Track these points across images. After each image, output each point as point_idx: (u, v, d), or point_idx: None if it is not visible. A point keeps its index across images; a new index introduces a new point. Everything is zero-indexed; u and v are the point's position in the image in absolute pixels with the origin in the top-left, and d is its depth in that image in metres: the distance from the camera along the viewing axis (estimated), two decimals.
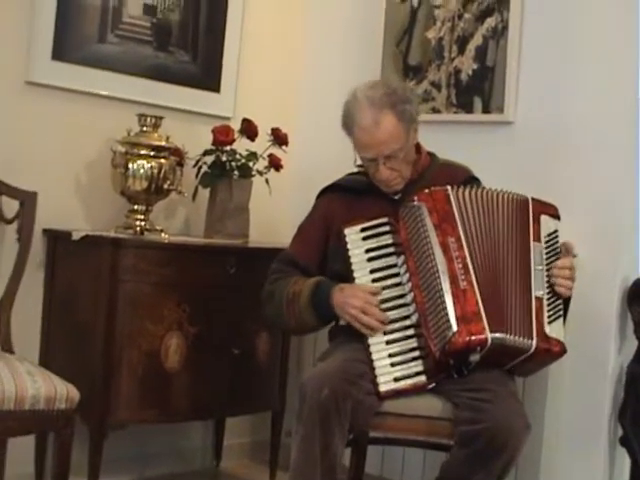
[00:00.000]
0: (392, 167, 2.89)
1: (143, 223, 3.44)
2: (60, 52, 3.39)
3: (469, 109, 3.62)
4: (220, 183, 3.63)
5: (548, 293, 2.79)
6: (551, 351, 2.76)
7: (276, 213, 3.86)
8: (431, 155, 3.11)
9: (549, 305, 2.79)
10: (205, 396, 3.42)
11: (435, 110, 3.70)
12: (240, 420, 3.94)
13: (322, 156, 3.89)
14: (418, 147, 3.04)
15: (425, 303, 2.74)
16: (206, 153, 3.64)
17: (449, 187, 2.86)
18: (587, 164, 3.34)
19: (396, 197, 2.97)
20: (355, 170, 3.08)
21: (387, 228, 2.88)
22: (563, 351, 2.77)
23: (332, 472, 2.67)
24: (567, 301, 2.87)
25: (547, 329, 2.75)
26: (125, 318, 3.21)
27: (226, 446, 3.96)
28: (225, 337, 3.46)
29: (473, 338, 2.64)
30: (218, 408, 3.54)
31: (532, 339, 2.71)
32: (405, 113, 2.86)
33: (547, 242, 2.85)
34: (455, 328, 2.64)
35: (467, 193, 2.85)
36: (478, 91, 3.60)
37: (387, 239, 2.88)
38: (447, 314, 2.66)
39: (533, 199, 2.87)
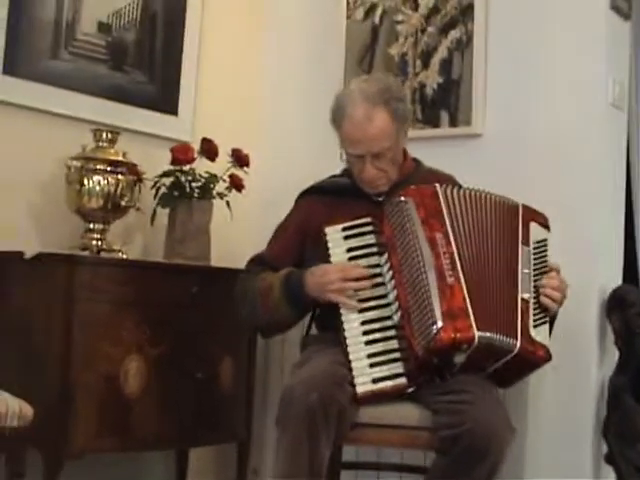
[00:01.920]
0: (379, 167, 2.80)
1: (100, 243, 3.27)
2: (11, 67, 3.24)
3: (436, 123, 3.54)
4: (180, 204, 3.48)
5: (534, 298, 2.69)
6: (535, 354, 2.64)
7: (238, 236, 3.71)
8: (416, 161, 3.03)
9: (535, 310, 2.68)
10: (168, 424, 3.21)
11: None
12: (204, 452, 3.73)
13: (284, 177, 3.77)
14: (404, 152, 2.96)
15: (409, 300, 2.61)
16: (165, 174, 3.50)
17: (437, 185, 2.77)
18: (558, 174, 3.27)
19: (379, 199, 2.86)
20: (337, 172, 3.01)
21: (370, 228, 2.77)
22: (548, 356, 2.66)
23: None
24: (552, 320, 2.77)
25: (532, 332, 2.65)
26: (81, 340, 3.00)
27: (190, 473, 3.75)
28: (188, 361, 3.27)
29: (459, 335, 2.51)
30: (181, 437, 3.32)
31: (516, 339, 2.59)
32: (398, 112, 2.79)
33: (535, 249, 2.76)
34: (440, 324, 2.51)
35: (455, 191, 2.76)
36: (444, 105, 3.52)
37: (369, 239, 2.76)
38: (432, 309, 2.53)
39: (524, 205, 2.80)
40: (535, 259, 2.74)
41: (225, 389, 3.42)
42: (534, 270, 2.72)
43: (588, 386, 3.18)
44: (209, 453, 3.83)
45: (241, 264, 3.03)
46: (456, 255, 2.63)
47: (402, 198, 2.72)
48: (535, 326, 2.66)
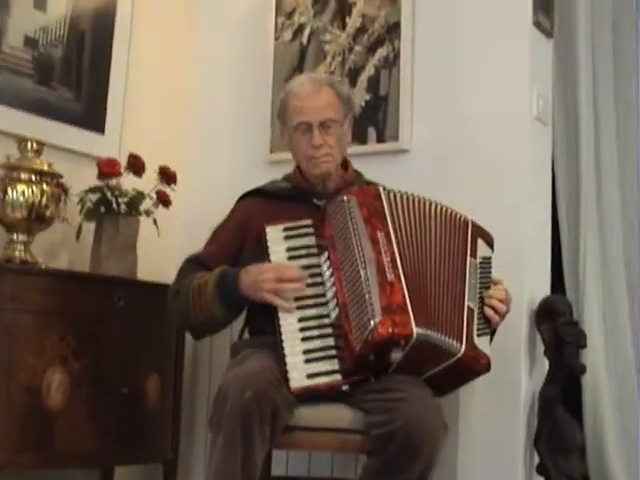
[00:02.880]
0: (326, 140, 2.85)
1: (23, 254, 3.18)
2: None
3: (363, 140, 3.55)
4: (106, 220, 3.42)
5: (479, 309, 2.71)
6: (478, 362, 2.65)
7: (164, 253, 3.65)
8: (357, 172, 3.06)
9: (479, 320, 2.70)
10: (91, 440, 3.12)
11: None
12: (129, 471, 3.62)
13: (212, 195, 3.74)
14: (346, 161, 3.02)
15: (347, 297, 2.59)
16: (91, 190, 3.44)
17: (380, 186, 2.79)
18: (485, 188, 3.29)
19: (320, 203, 2.85)
20: (278, 178, 3.05)
21: (311, 230, 2.76)
22: (488, 365, 2.68)
23: None
24: (492, 332, 2.79)
25: (476, 340, 2.65)
26: (3, 350, 2.90)
27: None
28: (113, 375, 3.19)
29: (397, 330, 2.48)
30: (106, 455, 3.21)
31: (461, 344, 2.59)
32: (344, 94, 2.95)
33: (481, 264, 2.79)
34: (379, 318, 2.49)
35: (399, 195, 2.77)
36: (372, 122, 3.54)
37: (310, 240, 2.75)
38: (372, 304, 2.52)
39: (473, 221, 2.83)
40: (481, 274, 2.77)
41: (151, 406, 3.34)
42: (479, 283, 2.75)
43: (518, 397, 3.16)
44: (134, 472, 3.71)
45: (168, 280, 2.97)
46: (397, 254, 2.62)
47: (345, 197, 2.73)
48: (478, 335, 2.67)
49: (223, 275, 2.73)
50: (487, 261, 2.82)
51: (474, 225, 2.82)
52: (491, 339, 2.79)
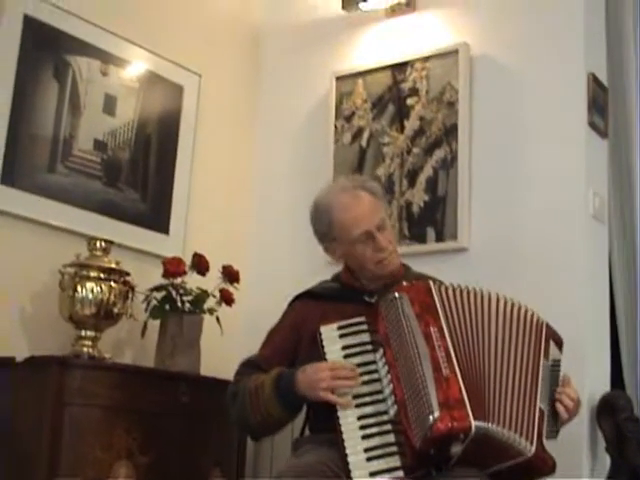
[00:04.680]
0: (388, 238, 2.91)
1: (91, 350, 3.26)
2: (10, 178, 3.32)
3: (422, 240, 3.63)
4: (170, 318, 3.51)
5: (548, 411, 2.70)
6: (546, 462, 2.63)
7: (227, 350, 3.70)
8: (405, 266, 3.09)
9: (548, 421, 2.69)
10: None
11: None
12: None
13: (273, 294, 3.80)
14: None
15: (405, 393, 2.60)
16: (156, 289, 3.54)
17: (430, 281, 2.82)
18: (543, 286, 3.34)
19: (372, 300, 2.90)
20: (328, 277, 3.09)
21: (364, 327, 2.78)
22: (554, 467, 2.65)
23: None
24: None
25: (544, 441, 2.64)
26: (71, 443, 2.97)
27: None
28: (177, 470, 3.23)
29: (456, 424, 2.48)
30: None
31: (532, 444, 2.57)
32: (375, 189, 2.98)
33: (552, 366, 2.79)
34: (437, 413, 2.49)
35: (451, 289, 2.79)
36: (430, 221, 3.62)
37: (364, 337, 2.77)
38: (429, 400, 2.52)
39: (547, 323, 2.82)
40: (551, 376, 2.76)
41: None
42: (550, 385, 2.75)
43: None
44: None
45: (230, 377, 3.02)
46: (451, 348, 2.63)
47: (396, 294, 2.76)
48: (547, 437, 2.66)
49: (280, 375, 2.77)
50: (557, 363, 2.82)
51: (548, 326, 2.82)
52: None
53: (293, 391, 2.72)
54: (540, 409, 2.66)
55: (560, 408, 2.73)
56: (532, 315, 2.81)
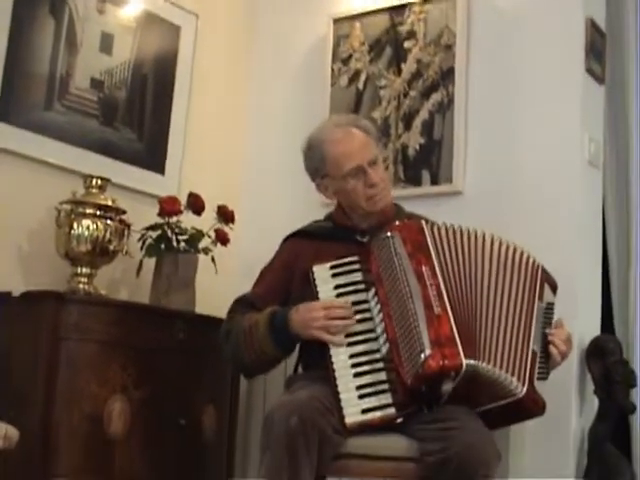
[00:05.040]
0: (379, 175, 2.91)
1: (87, 287, 3.29)
2: (6, 115, 3.31)
3: (417, 183, 3.65)
4: (166, 256, 3.53)
5: (541, 353, 2.73)
6: (537, 404, 2.67)
7: (222, 290, 3.72)
8: (397, 206, 3.10)
9: (539, 364, 2.72)
10: (149, 468, 3.20)
11: None
12: None
13: (268, 234, 3.81)
14: None
15: (397, 331, 2.63)
16: (151, 227, 3.56)
17: (423, 221, 2.85)
18: (537, 229, 3.35)
19: (364, 239, 2.93)
20: (321, 217, 3.11)
21: (357, 266, 2.81)
22: (544, 409, 2.70)
23: None
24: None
25: (536, 383, 2.68)
26: (67, 378, 3.00)
27: None
28: (171, 406, 3.28)
29: (447, 362, 2.52)
30: None
31: (524, 385, 2.61)
32: (368, 128, 2.98)
33: (546, 309, 2.82)
34: (429, 351, 2.52)
35: (443, 228, 2.81)
36: (426, 164, 3.64)
37: (357, 276, 2.80)
38: (420, 338, 2.55)
39: (542, 266, 2.84)
40: (544, 319, 2.79)
41: (207, 437, 3.42)
42: (542, 328, 2.77)
43: (568, 434, 3.21)
44: None
45: (225, 315, 3.05)
46: (443, 287, 2.66)
47: (389, 233, 2.78)
48: (538, 379, 2.69)
49: (274, 314, 2.80)
50: (551, 307, 2.85)
51: (543, 270, 2.85)
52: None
53: (287, 330, 2.76)
54: (533, 350, 2.69)
55: (553, 350, 2.76)
56: (528, 257, 2.83)
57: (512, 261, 2.80)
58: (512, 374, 2.60)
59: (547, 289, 2.85)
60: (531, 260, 2.83)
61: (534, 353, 2.69)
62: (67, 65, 3.52)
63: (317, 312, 2.72)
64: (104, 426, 3.08)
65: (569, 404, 3.22)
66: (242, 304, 2.97)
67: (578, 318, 3.25)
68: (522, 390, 2.61)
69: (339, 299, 2.77)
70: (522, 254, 2.83)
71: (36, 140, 3.40)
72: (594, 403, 3.26)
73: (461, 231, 2.82)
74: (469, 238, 2.81)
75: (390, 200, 2.99)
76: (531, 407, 2.67)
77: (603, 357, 3.22)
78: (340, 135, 2.92)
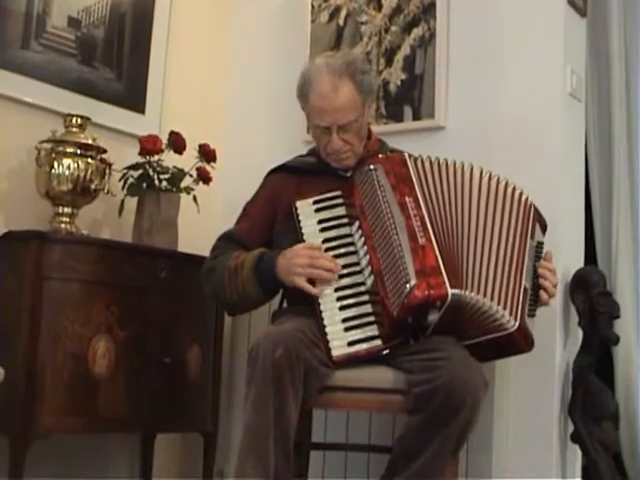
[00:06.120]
0: (345, 138, 2.87)
1: (68, 227, 3.26)
2: None
3: (399, 118, 3.62)
4: (148, 196, 3.50)
5: (531, 290, 2.74)
6: (527, 340, 2.69)
7: (205, 229, 3.71)
8: (381, 141, 3.10)
9: (530, 300, 2.73)
10: (134, 407, 3.20)
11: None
12: (170, 440, 3.71)
13: (250, 172, 3.78)
14: (369, 131, 3.03)
15: (381, 263, 2.64)
16: (133, 167, 3.52)
17: (405, 153, 2.84)
18: (520, 163, 3.32)
19: (347, 174, 2.91)
20: (304, 153, 3.09)
21: (340, 200, 2.83)
22: (532, 345, 2.72)
23: (286, 440, 2.50)
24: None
25: (526, 319, 2.69)
26: (51, 317, 2.99)
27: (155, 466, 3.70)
28: (155, 344, 3.28)
29: (432, 292, 2.53)
30: (148, 421, 3.29)
31: (516, 320, 2.62)
32: (364, 83, 2.87)
33: (536, 247, 2.82)
34: (414, 281, 2.53)
35: (427, 162, 2.81)
36: (408, 100, 3.61)
37: (340, 211, 2.81)
38: (405, 268, 2.56)
39: (534, 205, 2.85)
40: (535, 257, 2.80)
41: (192, 375, 3.43)
42: (533, 265, 2.78)
43: (553, 366, 3.22)
44: (175, 440, 3.80)
45: (208, 254, 3.04)
46: (427, 218, 2.66)
47: (372, 166, 2.79)
48: (528, 315, 2.71)
49: (261, 257, 2.79)
50: (540, 246, 2.86)
51: (536, 209, 2.86)
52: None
53: (272, 274, 2.75)
54: (524, 287, 2.70)
55: (545, 283, 2.77)
56: (521, 194, 2.84)
57: (504, 195, 2.81)
58: (504, 307, 2.61)
59: (538, 228, 2.86)
60: (524, 197, 2.83)
61: (525, 289, 2.70)
62: (44, 3, 3.45)
63: (301, 259, 2.70)
64: (88, 365, 3.07)
65: (553, 337, 3.23)
66: (226, 240, 2.97)
67: (562, 251, 3.24)
68: (514, 324, 2.62)
69: (323, 234, 2.77)
70: (514, 189, 2.83)
71: (13, 79, 3.34)
72: (578, 336, 3.28)
73: (447, 164, 2.82)
74: (455, 170, 2.81)
75: (353, 162, 2.93)
76: (521, 342, 2.68)
77: (587, 289, 3.22)
78: (326, 88, 2.83)
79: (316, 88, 2.85)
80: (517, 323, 2.61)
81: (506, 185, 2.82)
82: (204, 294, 2.96)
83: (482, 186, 2.80)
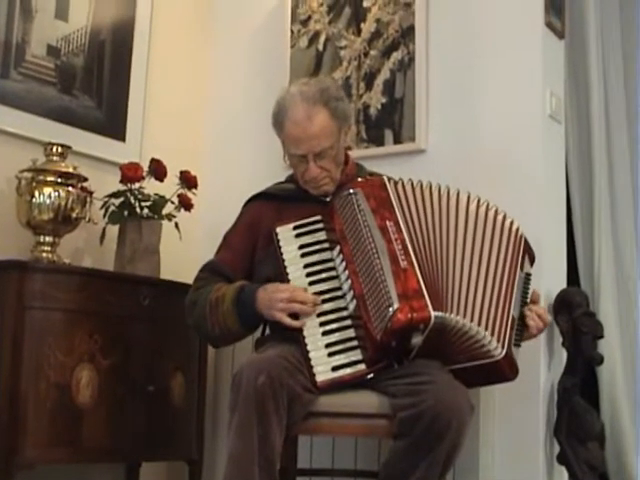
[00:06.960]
0: (322, 166, 2.86)
1: (50, 256, 3.25)
2: None
3: (380, 142, 3.63)
4: (129, 223, 3.49)
5: (518, 320, 2.74)
6: (512, 369, 2.68)
7: (187, 256, 3.72)
8: (358, 165, 3.10)
9: (517, 330, 2.73)
10: (118, 436, 3.18)
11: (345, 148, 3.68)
12: (155, 468, 3.68)
13: (232, 199, 3.78)
14: (346, 156, 3.03)
15: (363, 287, 2.63)
16: (114, 195, 3.52)
17: (384, 177, 2.84)
18: (500, 186, 3.32)
19: (327, 199, 2.91)
20: (282, 180, 3.08)
21: (320, 225, 2.83)
22: (517, 374, 2.71)
23: (271, 467, 2.49)
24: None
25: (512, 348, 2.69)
26: (33, 347, 2.97)
27: None
28: (139, 372, 3.26)
29: (415, 315, 2.52)
30: (132, 451, 3.27)
31: (503, 348, 2.61)
32: (338, 110, 2.86)
33: (525, 279, 2.83)
34: (397, 305, 2.52)
35: (409, 185, 2.82)
36: (388, 124, 3.62)
37: (321, 235, 2.81)
38: (388, 292, 2.55)
39: (524, 236, 2.85)
40: (523, 289, 2.81)
41: (176, 404, 3.41)
42: (521, 296, 2.79)
43: (538, 387, 3.22)
44: (160, 469, 3.78)
45: (190, 281, 3.03)
46: (408, 241, 2.66)
47: (351, 190, 2.79)
48: (514, 345, 2.71)
49: (242, 289, 2.78)
50: (529, 277, 2.86)
51: (526, 240, 2.86)
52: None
53: (252, 307, 2.74)
54: (513, 317, 2.69)
55: (531, 322, 2.77)
56: (512, 223, 2.84)
57: (493, 222, 2.81)
58: (492, 334, 2.60)
59: (527, 260, 2.86)
60: (514, 227, 2.83)
61: (513, 319, 2.69)
62: (23, 32, 3.46)
63: (282, 294, 2.69)
64: (72, 395, 3.05)
65: (538, 358, 3.23)
66: (209, 271, 2.95)
67: (544, 272, 3.25)
68: (501, 352, 2.61)
69: (304, 259, 2.77)
70: (505, 217, 2.83)
71: None
72: (562, 357, 3.28)
73: (430, 187, 2.83)
74: (440, 195, 2.82)
75: (332, 188, 2.92)
76: (506, 371, 2.67)
77: (570, 310, 3.23)
78: (300, 116, 2.81)
79: (291, 117, 2.84)
80: (504, 351, 2.60)
81: (496, 212, 2.83)
82: (189, 325, 2.95)
83: (470, 212, 2.80)
